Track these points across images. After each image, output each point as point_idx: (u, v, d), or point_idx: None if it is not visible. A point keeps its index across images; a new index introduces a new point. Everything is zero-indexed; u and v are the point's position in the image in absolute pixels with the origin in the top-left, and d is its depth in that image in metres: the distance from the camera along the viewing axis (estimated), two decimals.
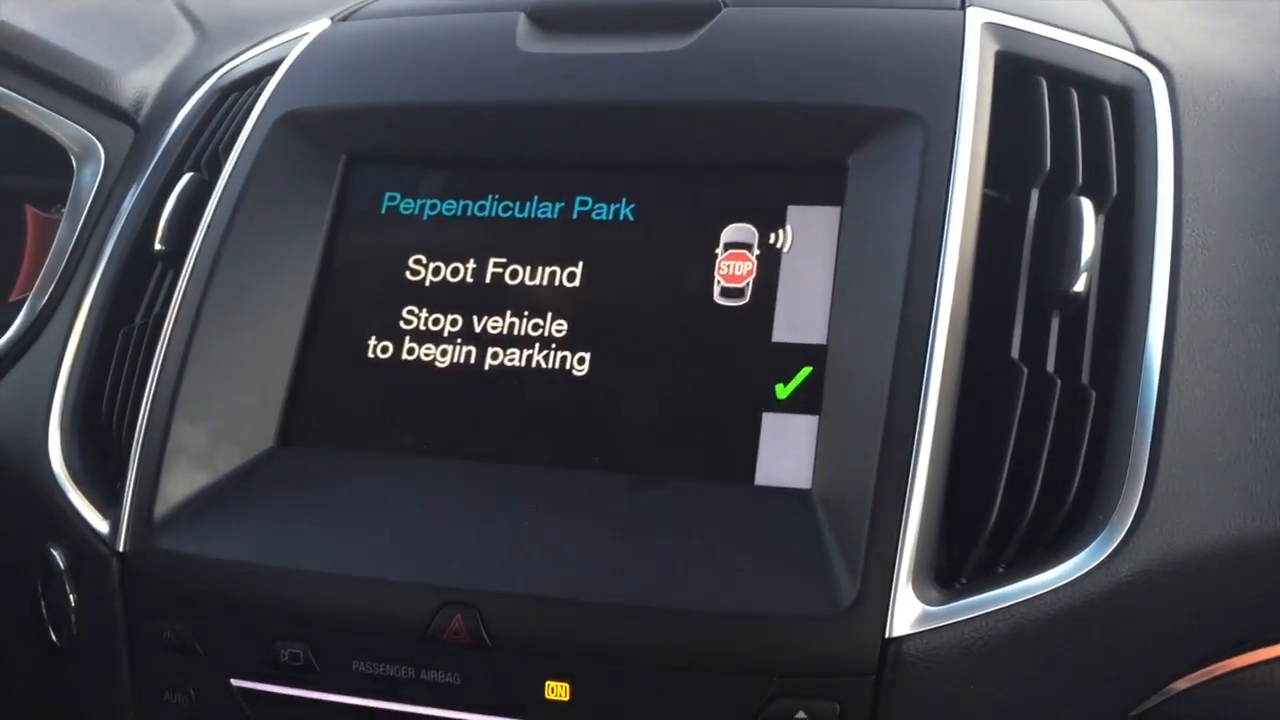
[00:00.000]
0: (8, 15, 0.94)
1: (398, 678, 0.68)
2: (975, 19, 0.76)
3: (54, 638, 0.82)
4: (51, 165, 0.98)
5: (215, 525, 0.73)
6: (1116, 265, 0.70)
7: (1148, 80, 0.76)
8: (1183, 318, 0.68)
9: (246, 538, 0.72)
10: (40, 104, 0.96)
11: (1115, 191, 0.72)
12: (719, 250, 0.74)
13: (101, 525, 0.76)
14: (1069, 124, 0.74)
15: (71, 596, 0.78)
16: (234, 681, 0.72)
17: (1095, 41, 0.78)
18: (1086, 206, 0.69)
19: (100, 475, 0.80)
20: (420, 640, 0.67)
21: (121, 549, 0.74)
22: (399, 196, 0.80)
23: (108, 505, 0.77)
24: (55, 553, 0.79)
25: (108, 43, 1.01)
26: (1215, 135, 0.75)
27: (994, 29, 0.76)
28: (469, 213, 0.79)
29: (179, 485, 0.74)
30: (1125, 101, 0.76)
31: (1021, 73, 0.76)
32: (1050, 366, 0.68)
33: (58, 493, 0.80)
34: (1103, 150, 0.73)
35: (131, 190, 0.92)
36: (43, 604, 0.82)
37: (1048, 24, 0.78)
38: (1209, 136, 0.75)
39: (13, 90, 0.96)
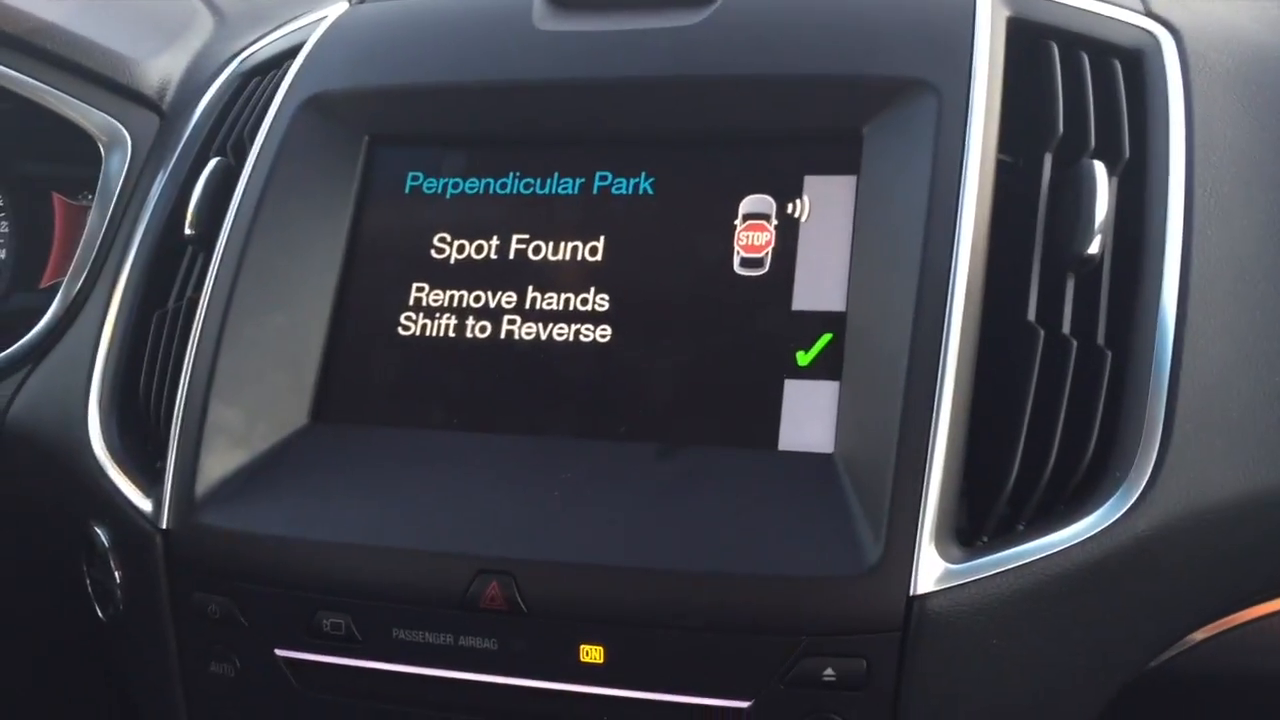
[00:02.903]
0: (33, 6, 0.94)
1: (437, 644, 0.69)
2: None
3: (100, 613, 0.83)
4: (76, 153, 0.97)
5: (255, 501, 0.74)
6: (1130, 226, 0.71)
7: (1158, 42, 0.76)
8: (1196, 277, 0.69)
9: (286, 512, 0.73)
10: (67, 93, 0.96)
11: (1128, 153, 0.72)
12: (738, 221, 0.74)
13: (144, 504, 0.77)
14: (1081, 88, 0.74)
15: (116, 573, 0.80)
16: (278, 651, 0.73)
17: (1105, 5, 0.78)
18: (1099, 169, 0.70)
19: (140, 455, 0.81)
20: (458, 608, 0.68)
21: (165, 526, 0.75)
22: (422, 176, 0.81)
23: (149, 484, 0.78)
24: (99, 531, 0.81)
25: (130, 30, 1.00)
26: (1226, 95, 0.75)
27: None
28: (491, 190, 0.79)
29: (218, 463, 0.75)
30: (1136, 64, 0.76)
31: (1033, 38, 0.76)
32: (1066, 328, 0.68)
33: (99, 473, 0.81)
34: (1115, 113, 0.73)
35: (159, 176, 0.92)
36: (88, 581, 0.83)
37: None
38: (1219, 96, 0.75)
39: (39, 80, 0.95)
